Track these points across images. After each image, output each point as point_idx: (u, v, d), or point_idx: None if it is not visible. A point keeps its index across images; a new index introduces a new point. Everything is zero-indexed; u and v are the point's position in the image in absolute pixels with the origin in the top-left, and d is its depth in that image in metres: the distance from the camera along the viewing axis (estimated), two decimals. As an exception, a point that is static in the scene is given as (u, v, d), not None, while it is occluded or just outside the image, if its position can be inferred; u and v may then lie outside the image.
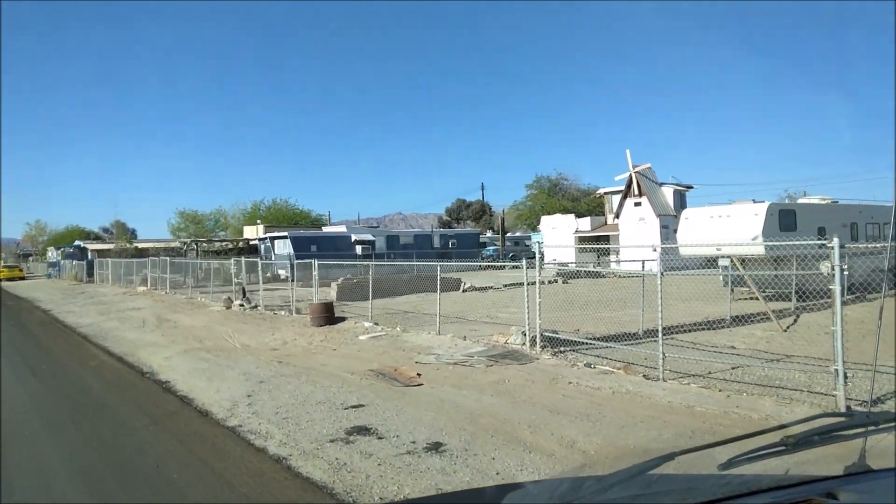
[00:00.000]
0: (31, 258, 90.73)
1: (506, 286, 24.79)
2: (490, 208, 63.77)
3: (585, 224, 38.36)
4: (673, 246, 17.39)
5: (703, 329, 12.93)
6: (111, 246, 51.87)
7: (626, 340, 10.82)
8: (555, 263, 36.32)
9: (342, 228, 41.47)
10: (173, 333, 15.09)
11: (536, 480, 2.54)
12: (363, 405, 7.50)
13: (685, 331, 12.50)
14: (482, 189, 72.98)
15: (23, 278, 54.16)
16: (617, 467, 1.52)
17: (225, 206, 60.04)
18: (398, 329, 13.38)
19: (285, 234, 36.75)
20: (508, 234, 55.84)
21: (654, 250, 14.34)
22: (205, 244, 39.41)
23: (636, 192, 34.00)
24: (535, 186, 50.63)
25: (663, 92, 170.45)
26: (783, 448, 1.60)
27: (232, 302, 19.55)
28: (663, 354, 8.44)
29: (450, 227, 58.67)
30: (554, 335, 10.41)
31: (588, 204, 47.44)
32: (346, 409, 7.39)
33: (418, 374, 9.08)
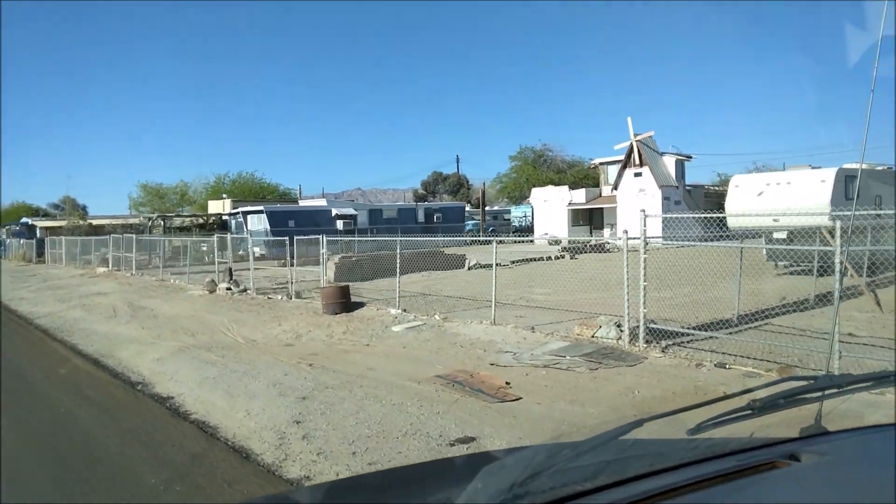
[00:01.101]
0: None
1: (514, 263, 22.76)
2: (468, 181, 61.51)
3: (580, 196, 36.54)
4: (722, 216, 15.56)
5: (792, 311, 11.20)
6: (63, 223, 47.73)
7: (723, 328, 8.95)
8: (546, 237, 34.53)
9: (322, 202, 38.74)
10: (155, 325, 12.58)
11: (510, 449, 1.93)
12: (473, 438, 5.35)
13: (776, 314, 10.70)
14: (457, 162, 70.55)
15: (-37, 259, 49.63)
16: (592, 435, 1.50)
17: (186, 179, 55.85)
18: (437, 317, 11.19)
19: (260, 208, 33.91)
20: (487, 208, 53.78)
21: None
22: (172, 219, 36.11)
23: (637, 161, 32.25)
24: (519, 158, 48.56)
25: (648, 61, 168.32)
26: (749, 412, 1.62)
27: (216, 285, 17.01)
28: (840, 353, 6.49)
29: (425, 202, 56.26)
30: (657, 326, 8.40)
31: (574, 175, 45.71)
32: (450, 444, 5.24)
33: (507, 383, 6.96)
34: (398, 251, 13.19)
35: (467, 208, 55.75)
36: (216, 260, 18.36)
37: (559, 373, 7.33)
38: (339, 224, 34.78)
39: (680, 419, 1.68)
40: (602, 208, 36.35)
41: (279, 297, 15.25)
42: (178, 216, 37.68)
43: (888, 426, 1.89)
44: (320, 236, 14.69)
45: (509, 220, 55.57)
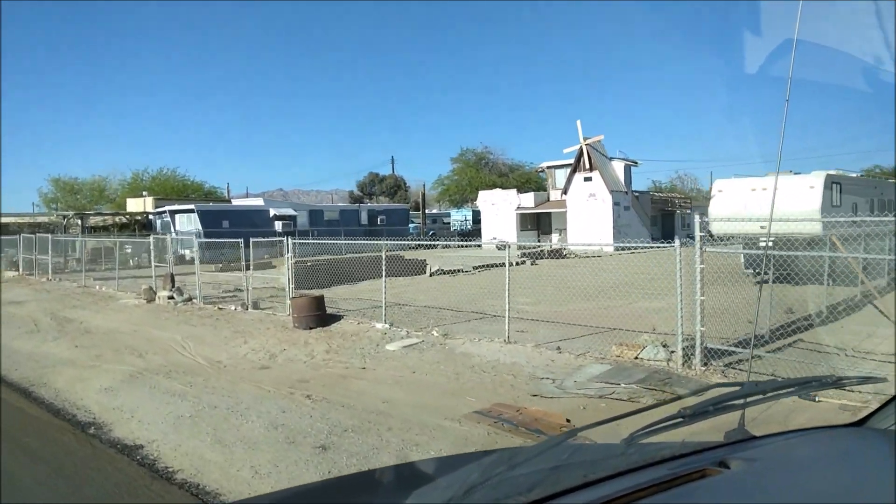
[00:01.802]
0: None
1: (476, 268, 21.69)
2: (405, 183, 60.02)
3: (528, 200, 35.94)
4: (706, 221, 15.08)
5: (808, 324, 10.64)
6: (-44, 220, 42.66)
7: (759, 345, 8.16)
8: (494, 241, 33.71)
9: (258, 201, 36.29)
10: (90, 342, 10.63)
11: (441, 458, 2.50)
12: None
13: (800, 328, 10.07)
14: (392, 163, 69.08)
15: None
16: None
17: (101, 174, 50.90)
18: (435, 333, 9.88)
19: (191, 207, 31.24)
20: (426, 212, 52.63)
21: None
22: (90, 218, 32.63)
23: (587, 165, 31.97)
24: (461, 160, 47.64)
25: (587, 67, 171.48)
26: (681, 420, 1.64)
27: (154, 292, 14.95)
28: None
29: (361, 203, 54.42)
30: (713, 346, 7.46)
31: (517, 179, 45.26)
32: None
33: (567, 420, 5.80)
34: (383, 254, 11.81)
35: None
36: (152, 264, 16.19)
37: (623, 405, 6.23)
38: (278, 225, 32.62)
39: (615, 427, 1.72)
40: (550, 213, 35.94)
41: (233, 308, 13.48)
42: (99, 214, 34.18)
43: (811, 430, 1.96)
44: (284, 238, 13.03)
45: (449, 223, 54.69)
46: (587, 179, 32.23)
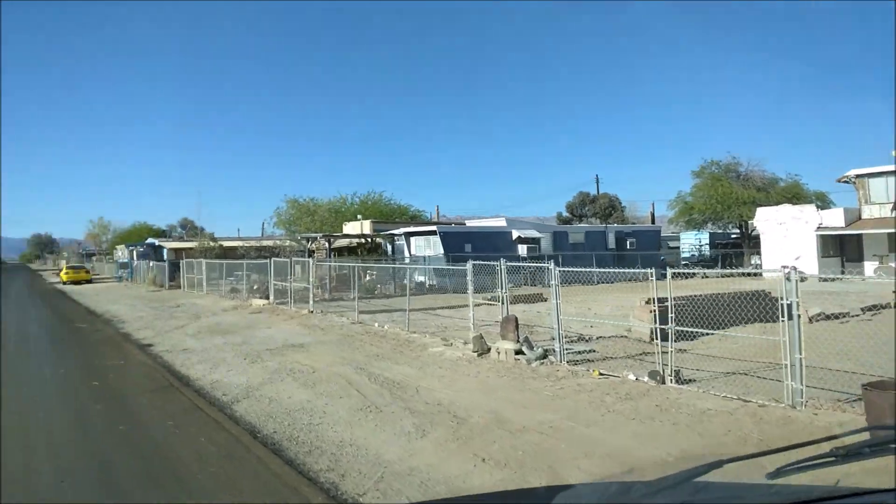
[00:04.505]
0: (94, 258, 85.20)
1: (868, 310, 15.12)
2: (620, 203, 53.65)
3: (835, 217, 28.17)
4: None
5: None
6: (192, 244, 43.97)
7: None
8: (786, 271, 26.36)
9: (500, 222, 32.31)
10: (483, 444, 6.10)
11: (586, 483, 1.90)
12: None
13: None
14: (597, 182, 62.99)
15: (90, 281, 46.94)
16: (665, 473, 1.47)
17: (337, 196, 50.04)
18: None
19: (432, 228, 27.85)
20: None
21: None
22: (313, 241, 30.60)
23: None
24: (704, 173, 40.40)
25: None
26: (833, 459, 1.56)
27: (485, 344, 10.55)
28: None
29: (570, 224, 49.01)
30: None
31: (782, 194, 37.07)
32: None
33: None
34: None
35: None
36: (470, 300, 11.87)
37: None
38: (522, 249, 28.27)
39: (760, 463, 1.65)
40: (860, 234, 27.83)
41: (631, 377, 8.53)
42: (345, 236, 32.22)
43: None
44: (549, 265, 7.84)
45: (677, 247, 47.33)
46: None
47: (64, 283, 44.11)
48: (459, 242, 27.05)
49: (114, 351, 12.89)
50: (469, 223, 35.81)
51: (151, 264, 39.96)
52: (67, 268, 49.75)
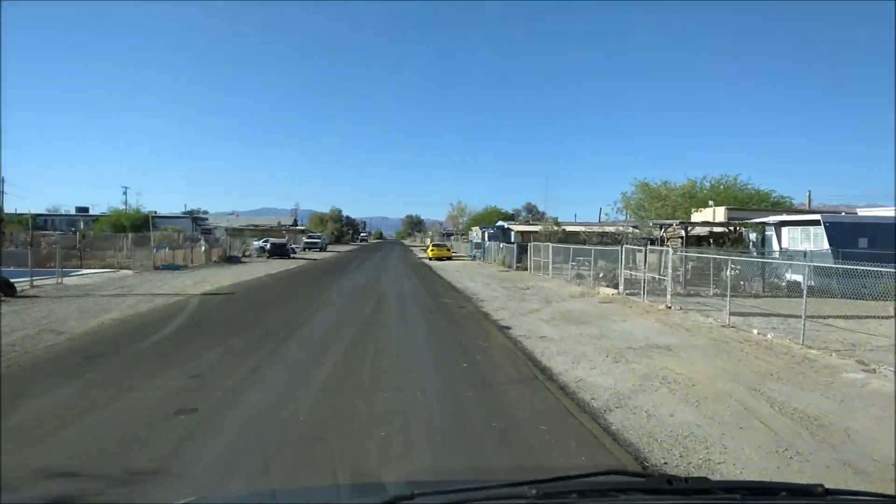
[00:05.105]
0: (451, 237, 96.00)
1: None
2: None
3: None
4: None
5: None
6: (537, 228, 45.71)
7: None
8: None
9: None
10: None
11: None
12: None
13: None
14: None
15: (450, 258, 52.66)
16: None
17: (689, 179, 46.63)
18: None
19: (814, 217, 23.20)
20: None
21: None
22: (676, 229, 28.33)
23: None
24: None
25: None
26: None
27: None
28: None
29: None
30: None
31: None
32: None
33: None
34: None
35: None
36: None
37: None
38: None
39: None
40: None
41: None
42: (705, 224, 29.69)
43: None
44: None
45: None
46: None
47: (430, 258, 50.20)
48: (852, 236, 21.88)
49: (477, 330, 13.24)
50: (861, 212, 29.09)
51: (501, 245, 42.58)
52: (433, 245, 56.78)
